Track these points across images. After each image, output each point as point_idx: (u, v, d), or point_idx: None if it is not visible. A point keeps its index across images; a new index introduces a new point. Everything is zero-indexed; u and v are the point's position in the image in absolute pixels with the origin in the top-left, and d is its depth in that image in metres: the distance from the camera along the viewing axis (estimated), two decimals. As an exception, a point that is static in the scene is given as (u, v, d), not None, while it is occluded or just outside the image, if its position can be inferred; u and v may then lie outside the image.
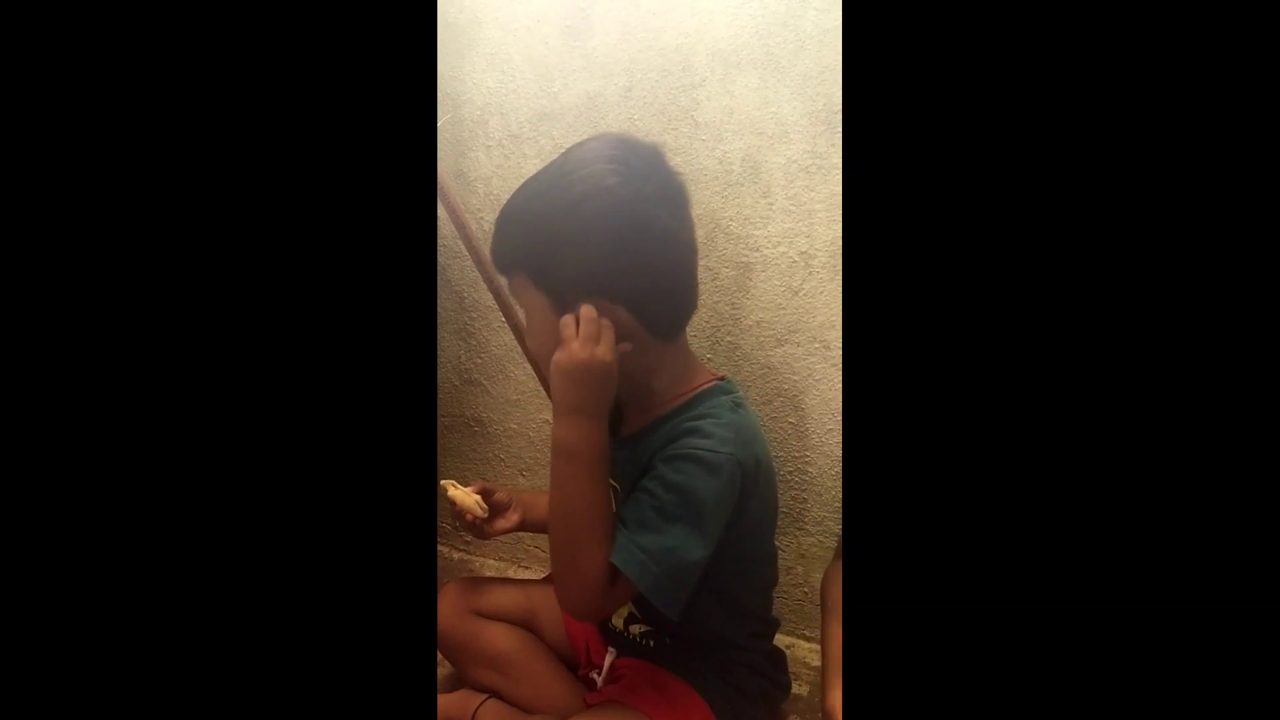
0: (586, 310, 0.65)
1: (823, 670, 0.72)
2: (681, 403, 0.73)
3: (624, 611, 0.81)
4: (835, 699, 0.64)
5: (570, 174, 0.67)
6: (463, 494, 0.80)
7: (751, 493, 0.70)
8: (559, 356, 0.65)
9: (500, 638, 0.85)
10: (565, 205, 0.66)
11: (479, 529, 0.82)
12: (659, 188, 0.67)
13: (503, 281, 0.81)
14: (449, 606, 0.86)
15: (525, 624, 0.87)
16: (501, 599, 0.87)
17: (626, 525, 0.67)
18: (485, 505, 0.80)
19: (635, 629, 0.80)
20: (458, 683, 0.88)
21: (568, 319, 0.66)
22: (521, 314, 0.76)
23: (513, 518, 0.83)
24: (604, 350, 0.65)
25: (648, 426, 0.73)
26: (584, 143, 0.71)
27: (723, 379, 0.76)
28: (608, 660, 0.82)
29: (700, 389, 0.73)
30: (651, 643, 0.80)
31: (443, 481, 0.80)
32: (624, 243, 0.65)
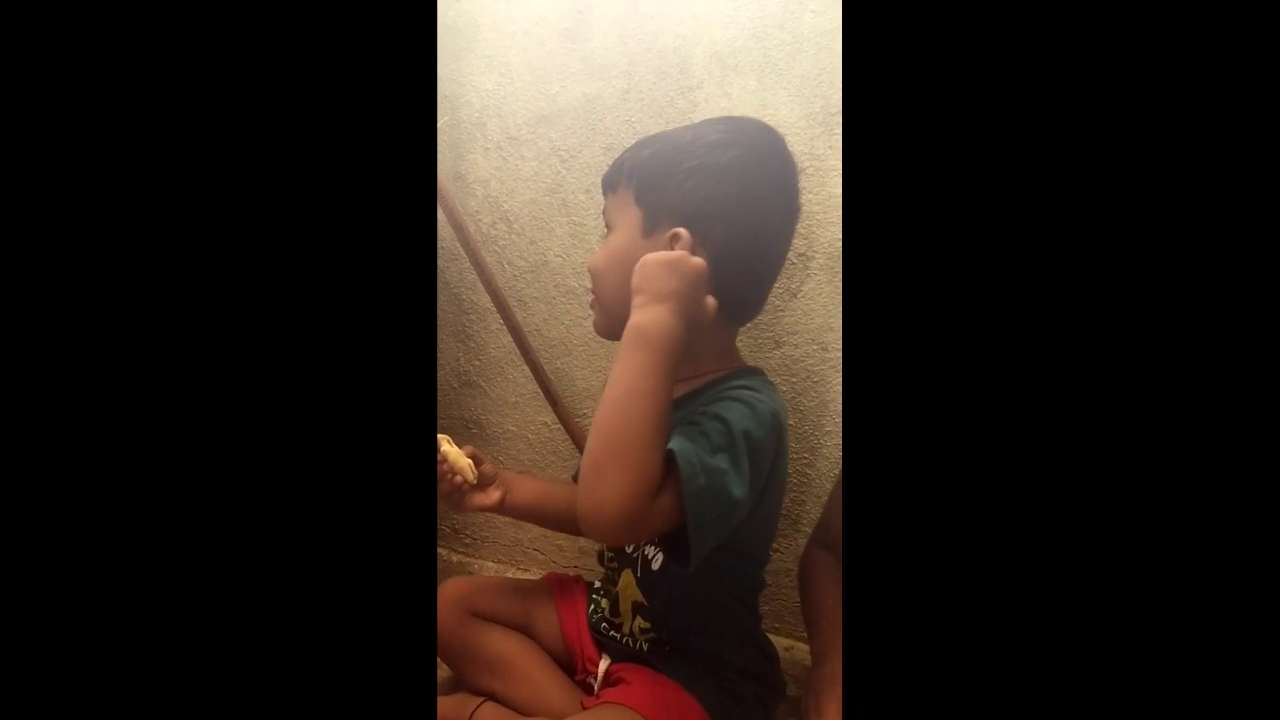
0: (685, 232, 0.68)
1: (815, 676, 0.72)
2: (722, 375, 0.75)
3: (629, 614, 0.80)
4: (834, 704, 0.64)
5: (723, 127, 0.72)
6: (457, 453, 0.77)
7: (774, 467, 0.71)
8: (653, 254, 0.66)
9: (496, 640, 0.84)
10: (703, 143, 0.70)
11: (458, 498, 0.80)
12: (778, 171, 0.73)
13: (501, 284, 0.81)
14: (444, 607, 0.85)
15: (521, 626, 0.87)
16: (497, 600, 0.87)
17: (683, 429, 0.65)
18: (475, 472, 0.78)
19: (639, 624, 0.80)
20: (454, 686, 0.88)
21: (676, 231, 0.68)
22: (607, 237, 0.76)
23: (494, 494, 0.82)
24: (699, 261, 0.66)
25: (688, 394, 0.74)
26: (747, 118, 0.76)
27: (751, 366, 0.79)
28: (602, 666, 0.82)
29: (737, 368, 0.77)
30: (646, 647, 0.80)
31: (440, 435, 0.77)
32: (731, 207, 0.69)
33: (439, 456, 0.77)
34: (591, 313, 0.81)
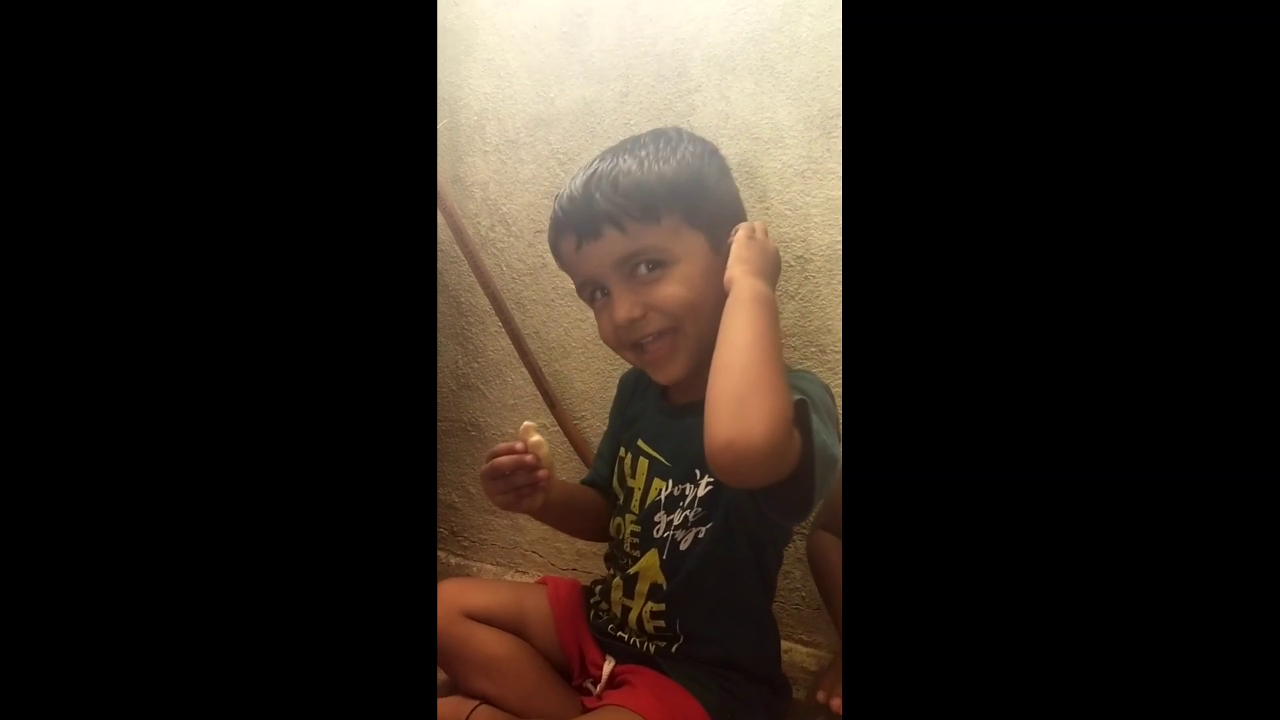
0: (757, 225, 0.73)
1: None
2: None
3: (642, 597, 0.80)
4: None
5: (672, 138, 0.75)
6: (545, 445, 0.70)
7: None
8: (749, 238, 0.71)
9: (492, 643, 0.84)
10: (685, 149, 0.73)
11: (515, 497, 0.74)
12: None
13: (498, 287, 0.81)
14: (444, 611, 0.85)
15: (515, 629, 0.86)
16: (491, 602, 0.87)
17: None
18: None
19: (650, 608, 0.80)
20: (449, 689, 0.88)
21: (750, 225, 0.73)
22: (675, 262, 0.72)
23: (538, 497, 0.75)
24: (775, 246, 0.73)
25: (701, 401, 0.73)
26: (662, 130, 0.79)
27: None
28: (606, 668, 0.82)
29: None
30: (653, 649, 0.79)
31: (527, 423, 0.71)
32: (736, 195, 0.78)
33: (527, 447, 0.70)
34: (587, 315, 0.81)
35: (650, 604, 0.79)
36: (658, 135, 0.75)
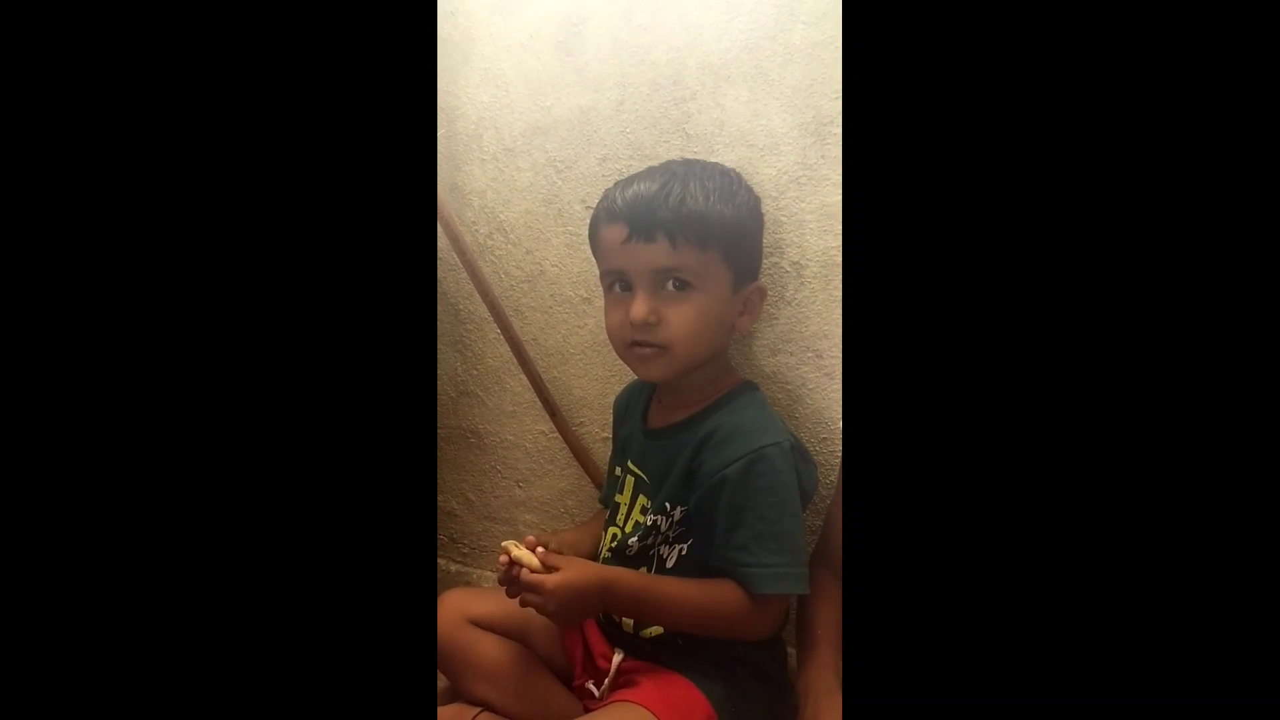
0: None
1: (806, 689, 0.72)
2: (712, 402, 0.80)
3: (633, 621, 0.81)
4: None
5: (733, 181, 0.80)
6: (527, 555, 0.71)
7: (798, 471, 0.77)
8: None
9: (494, 650, 0.85)
10: (742, 197, 0.79)
11: (520, 590, 0.74)
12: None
13: (498, 294, 0.82)
14: (442, 616, 0.86)
15: (519, 636, 0.87)
16: (494, 609, 0.87)
17: (745, 547, 0.73)
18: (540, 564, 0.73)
19: (648, 631, 0.80)
20: (452, 695, 0.88)
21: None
22: (692, 291, 0.77)
23: (539, 598, 0.73)
24: None
25: (681, 423, 0.80)
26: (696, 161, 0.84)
27: (745, 379, 0.85)
28: (616, 659, 0.82)
29: (730, 388, 0.82)
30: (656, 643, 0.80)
31: (505, 543, 0.73)
32: (758, 236, 0.83)
33: (511, 560, 0.72)
34: (586, 321, 0.83)
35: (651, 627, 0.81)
36: (724, 175, 0.80)
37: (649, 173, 0.79)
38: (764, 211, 0.89)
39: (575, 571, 0.71)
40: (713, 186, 0.76)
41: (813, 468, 0.82)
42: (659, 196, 0.75)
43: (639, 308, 0.76)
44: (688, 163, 0.82)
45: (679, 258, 0.75)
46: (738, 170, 0.84)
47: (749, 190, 0.82)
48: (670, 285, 0.76)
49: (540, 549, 0.73)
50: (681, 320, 0.76)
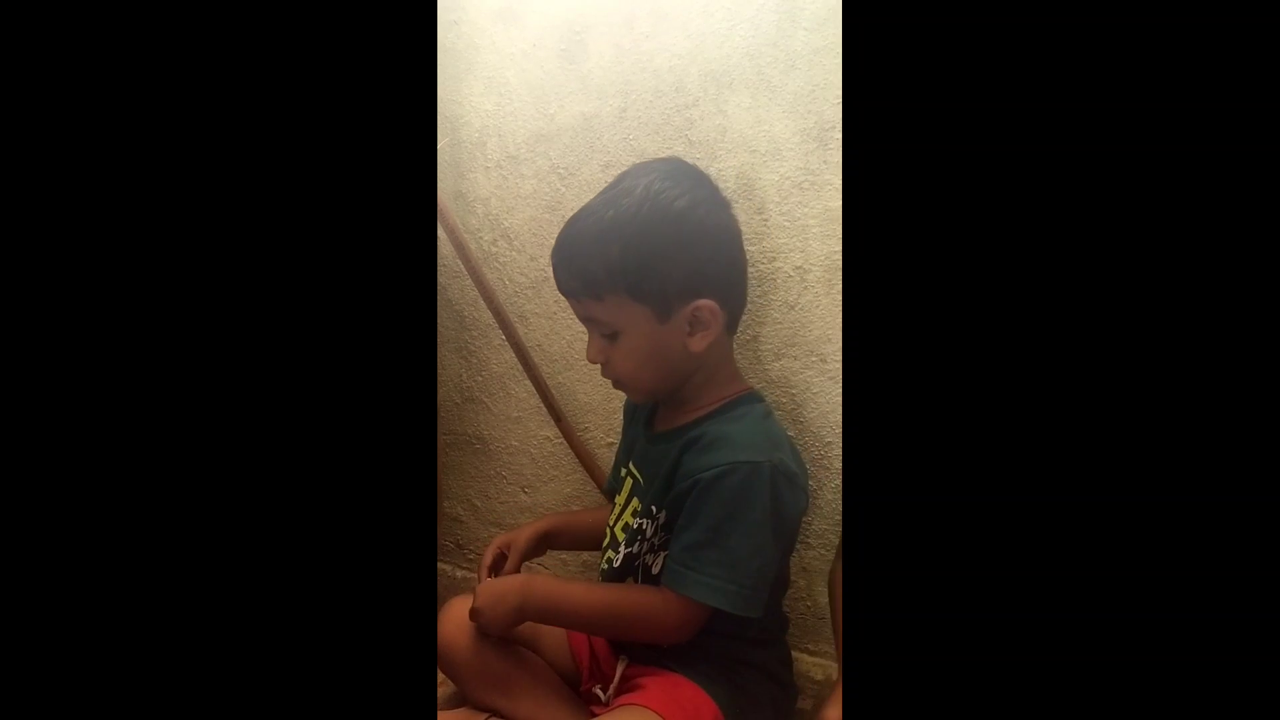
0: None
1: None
2: (711, 410, 0.80)
3: None
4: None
5: (635, 195, 0.74)
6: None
7: (779, 496, 0.75)
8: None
9: (502, 657, 0.85)
10: (653, 222, 0.73)
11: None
12: (714, 192, 0.79)
13: (503, 301, 0.83)
14: (452, 623, 0.86)
15: (528, 642, 0.87)
16: None
17: (688, 548, 0.73)
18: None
19: None
20: (459, 701, 0.89)
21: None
22: (617, 331, 0.77)
23: (480, 586, 0.82)
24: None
25: (678, 428, 0.80)
26: (629, 172, 0.78)
27: (752, 390, 0.84)
28: (620, 668, 0.82)
29: (732, 398, 0.81)
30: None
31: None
32: (717, 247, 0.76)
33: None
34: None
35: None
36: (626, 201, 0.73)
37: (578, 215, 0.77)
38: (765, 216, 0.90)
39: (497, 580, 0.78)
40: (606, 224, 0.73)
41: (801, 493, 0.79)
42: (559, 254, 0.77)
43: (589, 352, 0.80)
44: (608, 191, 0.77)
45: (587, 310, 0.77)
46: (708, 175, 0.81)
47: (657, 208, 0.73)
48: (600, 334, 0.78)
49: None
50: (620, 360, 0.78)
